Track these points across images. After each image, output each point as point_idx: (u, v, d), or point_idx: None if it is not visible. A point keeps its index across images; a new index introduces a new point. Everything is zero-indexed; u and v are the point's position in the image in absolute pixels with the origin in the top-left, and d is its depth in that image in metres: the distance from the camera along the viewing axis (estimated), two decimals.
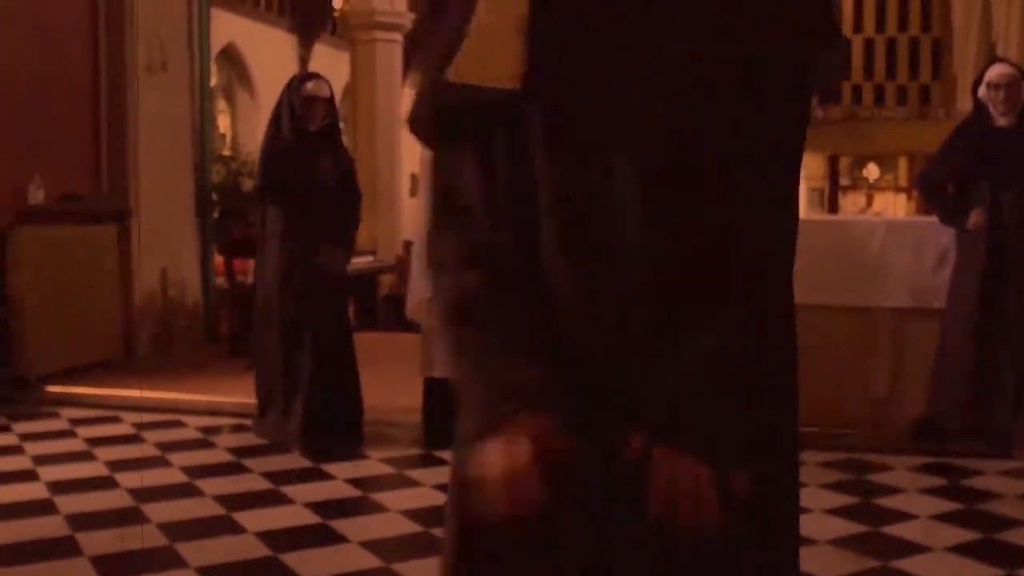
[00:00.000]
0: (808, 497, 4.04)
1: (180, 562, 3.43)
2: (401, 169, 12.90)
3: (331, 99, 4.99)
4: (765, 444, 1.29)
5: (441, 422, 4.70)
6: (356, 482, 4.41)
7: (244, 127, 10.99)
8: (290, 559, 3.47)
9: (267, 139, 5.02)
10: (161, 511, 3.96)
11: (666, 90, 1.30)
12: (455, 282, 1.38)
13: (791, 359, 1.37)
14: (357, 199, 5.12)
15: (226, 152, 9.60)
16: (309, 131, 4.91)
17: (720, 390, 1.23)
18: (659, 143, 1.30)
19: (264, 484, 4.37)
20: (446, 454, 4.18)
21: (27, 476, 4.45)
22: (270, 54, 11.47)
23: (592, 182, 1.33)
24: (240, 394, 5.30)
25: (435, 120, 1.43)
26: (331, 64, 13.41)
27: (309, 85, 4.90)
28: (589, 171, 1.33)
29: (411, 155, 11.31)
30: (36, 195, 6.52)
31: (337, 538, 3.69)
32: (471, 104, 1.37)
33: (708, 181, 1.30)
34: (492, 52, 1.35)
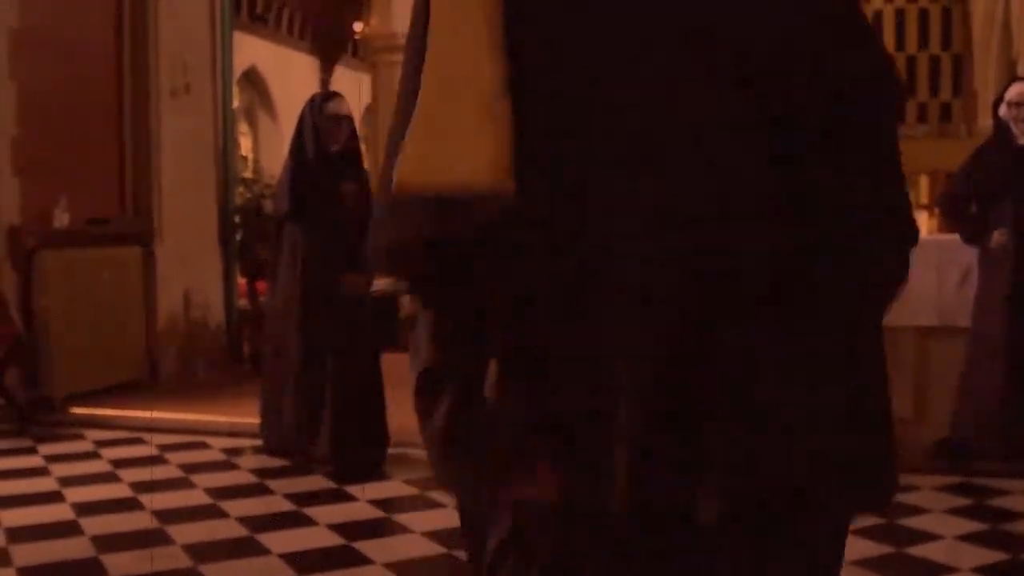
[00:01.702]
0: None
1: None
2: None
3: (351, 117, 5.03)
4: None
5: None
6: (380, 503, 4.42)
7: (266, 149, 11.05)
8: None
9: (291, 161, 5.04)
10: (186, 532, 3.97)
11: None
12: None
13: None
14: None
15: (248, 174, 9.66)
16: (332, 153, 4.93)
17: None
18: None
19: (288, 505, 4.39)
20: None
21: (53, 498, 4.48)
22: (291, 77, 11.59)
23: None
24: None
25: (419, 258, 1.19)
26: (352, 86, 13.52)
27: (331, 104, 4.93)
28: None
29: None
30: (62, 219, 6.59)
31: (362, 560, 3.70)
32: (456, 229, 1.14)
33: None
34: (448, 146, 1.11)
